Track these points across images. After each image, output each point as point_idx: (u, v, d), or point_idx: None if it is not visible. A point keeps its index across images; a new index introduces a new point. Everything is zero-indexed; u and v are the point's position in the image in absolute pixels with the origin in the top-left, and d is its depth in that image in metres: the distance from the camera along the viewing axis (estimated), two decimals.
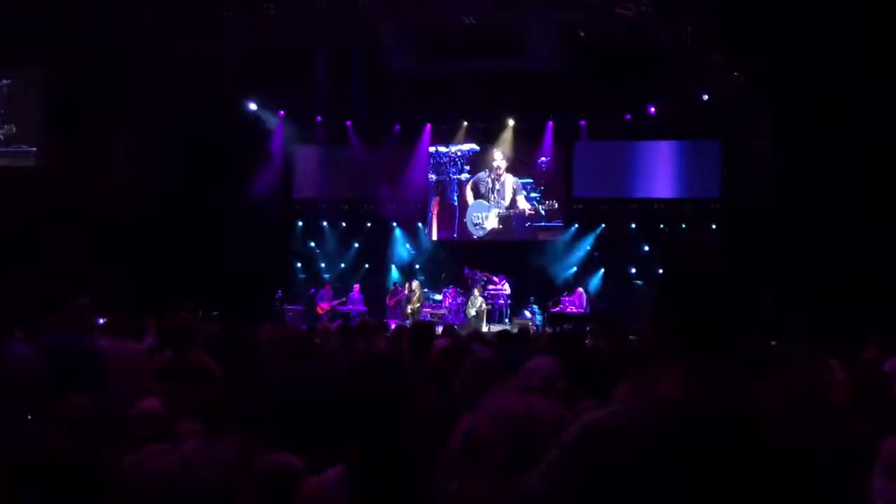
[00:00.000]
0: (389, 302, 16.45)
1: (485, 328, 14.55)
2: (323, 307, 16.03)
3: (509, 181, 17.52)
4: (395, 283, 17.00)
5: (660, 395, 1.23)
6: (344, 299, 16.26)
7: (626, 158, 16.55)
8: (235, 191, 15.98)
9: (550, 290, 16.16)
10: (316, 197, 18.31)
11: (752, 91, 13.23)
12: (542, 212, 17.22)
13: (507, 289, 16.05)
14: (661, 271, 1.36)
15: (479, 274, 16.24)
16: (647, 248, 15.96)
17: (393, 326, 8.27)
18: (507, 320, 15.89)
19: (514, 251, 16.92)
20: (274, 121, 17.41)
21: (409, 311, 15.79)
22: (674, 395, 1.21)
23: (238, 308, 13.93)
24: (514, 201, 17.46)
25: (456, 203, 17.88)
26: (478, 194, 17.77)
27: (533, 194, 17.37)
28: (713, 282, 1.25)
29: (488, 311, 15.67)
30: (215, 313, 14.47)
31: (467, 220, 17.81)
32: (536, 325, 14.75)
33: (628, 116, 16.04)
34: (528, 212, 17.27)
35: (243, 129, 16.33)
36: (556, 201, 17.24)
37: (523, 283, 16.45)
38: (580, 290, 15.40)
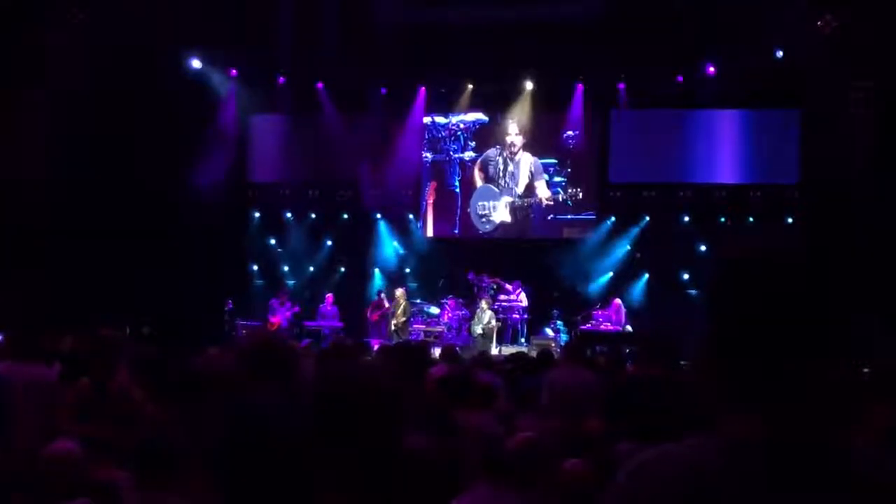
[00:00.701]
0: (372, 316, 16.48)
1: (494, 350, 14.55)
2: (274, 322, 16.03)
3: (526, 162, 17.56)
4: (379, 293, 17.02)
5: (724, 434, 1.23)
6: (298, 310, 16.29)
7: (678, 132, 16.57)
8: (174, 174, 15.97)
9: (579, 302, 16.14)
10: (278, 180, 18.31)
11: (844, 45, 13.19)
12: (569, 201, 17.26)
13: (523, 300, 16.08)
14: (714, 275, 1.33)
15: (487, 280, 16.25)
16: (703, 248, 15.96)
17: (377, 347, 8.27)
18: (522, 340, 15.90)
19: (532, 252, 16.91)
20: (224, 83, 17.44)
21: (393, 325, 15.83)
22: (744, 436, 1.22)
23: (177, 324, 13.95)
24: (531, 188, 17.50)
25: (458, 189, 17.96)
26: (486, 178, 17.84)
27: (557, 178, 17.40)
28: (796, 286, 1.22)
29: (499, 328, 15.69)
30: (147, 330, 14.49)
31: (472, 211, 17.86)
32: (561, 346, 14.74)
33: (680, 78, 16.05)
34: (546, 201, 17.33)
35: (184, 94, 16.30)
36: (587, 187, 17.28)
37: (544, 292, 16.43)
38: (618, 301, 15.42)
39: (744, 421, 1.22)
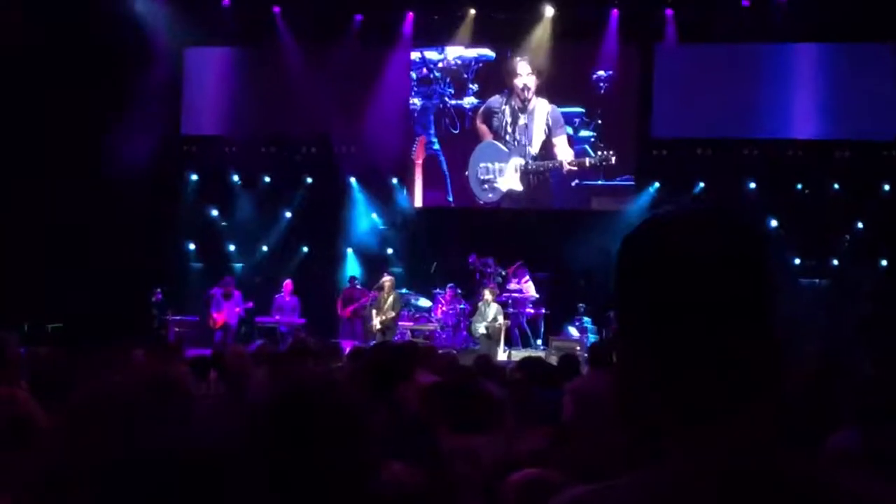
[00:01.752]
0: (344, 311, 16.51)
1: (502, 354, 14.58)
2: (218, 318, 16.07)
3: (542, 111, 17.53)
4: (352, 279, 17.04)
5: (667, 467, 1.27)
6: (251, 306, 16.29)
7: (742, 74, 16.55)
8: (85, 127, 15.88)
9: (612, 293, 16.09)
10: (221, 134, 18.28)
11: None
12: (599, 162, 17.23)
13: (530, 290, 16.11)
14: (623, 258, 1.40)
15: (493, 265, 16.25)
16: (774, 222, 15.98)
17: (348, 351, 8.28)
18: (539, 342, 15.95)
19: (550, 228, 16.92)
20: (152, 7, 17.33)
21: (376, 324, 15.78)
22: (679, 467, 1.26)
23: (92, 319, 13.92)
24: (549, 146, 17.47)
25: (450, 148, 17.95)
26: (490, 133, 17.81)
27: (583, 133, 17.36)
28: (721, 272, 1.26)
29: (507, 326, 15.73)
30: (54, 327, 14.47)
31: (471, 174, 17.85)
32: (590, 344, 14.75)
33: (745, 2, 16.01)
34: (569, 166, 17.31)
35: (99, 21, 16.16)
36: (623, 145, 17.25)
37: (567, 280, 16.47)
38: None
39: (685, 445, 1.26)
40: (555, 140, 17.42)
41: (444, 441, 4.03)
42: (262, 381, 6.74)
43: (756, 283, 1.26)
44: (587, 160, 17.28)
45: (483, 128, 17.85)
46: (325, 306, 16.76)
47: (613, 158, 17.14)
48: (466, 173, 17.84)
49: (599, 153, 17.23)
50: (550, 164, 17.46)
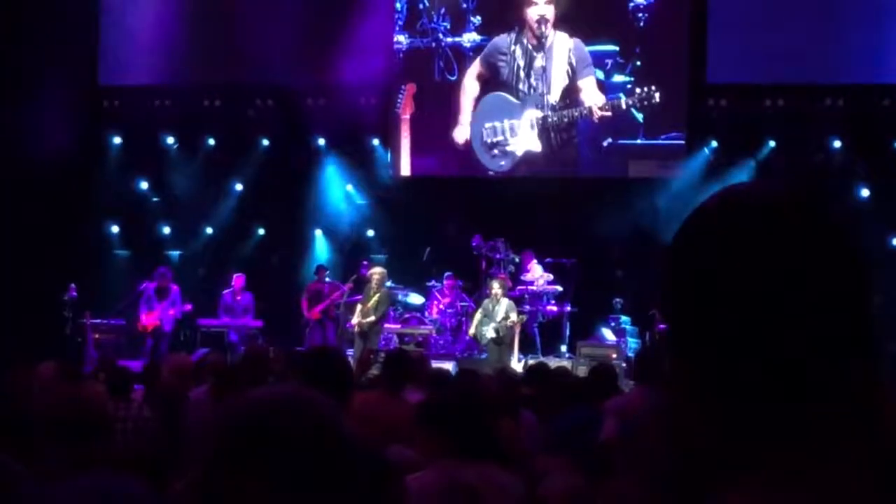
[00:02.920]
0: (311, 313, 16.52)
1: (516, 364, 14.55)
2: (149, 321, 16.11)
3: (562, 48, 17.50)
4: (320, 269, 17.09)
5: None
6: (190, 309, 16.33)
7: (822, 1, 16.55)
8: None
9: (658, 286, 16.08)
10: (151, 84, 18.32)
11: None
12: (639, 102, 17.17)
13: (539, 278, 16.12)
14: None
15: (503, 250, 16.29)
16: (865, 192, 15.96)
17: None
18: (563, 348, 16.01)
19: (577, 201, 16.95)
20: None
21: (353, 325, 15.68)
22: None
23: None
24: (573, 91, 17.43)
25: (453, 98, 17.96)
26: (495, 82, 17.76)
27: (618, 78, 17.32)
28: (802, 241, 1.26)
29: (522, 327, 15.73)
30: None
31: (474, 138, 17.84)
32: (628, 357, 14.77)
33: None
34: (600, 111, 17.20)
35: None
36: (670, 93, 17.22)
37: (598, 269, 16.51)
38: None
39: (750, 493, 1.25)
40: (580, 83, 17.40)
41: (444, 473, 4.01)
42: (203, 402, 6.70)
43: (864, 299, 1.26)
44: (623, 101, 17.17)
45: (485, 75, 17.80)
46: (286, 305, 16.87)
47: (657, 95, 17.01)
48: (467, 137, 17.79)
49: (639, 90, 17.12)
50: (576, 113, 17.42)
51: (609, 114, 17.21)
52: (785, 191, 1.31)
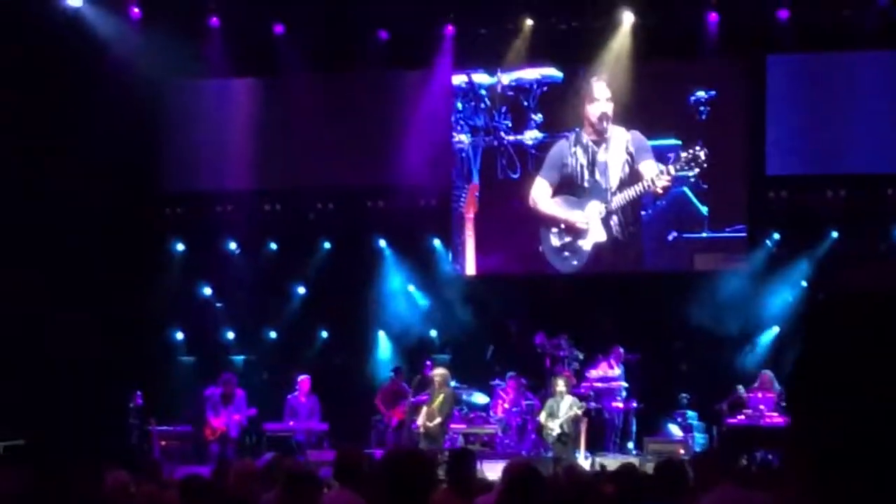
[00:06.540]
0: (391, 415, 16.37)
1: (583, 460, 14.43)
2: (216, 426, 16.12)
3: (620, 139, 17.58)
4: (397, 371, 17.01)
5: None
6: (255, 413, 16.29)
7: (882, 89, 16.49)
8: (32, 179, 16.04)
9: (723, 379, 16.09)
10: (213, 190, 18.48)
11: None
12: (686, 165, 17.15)
13: (615, 372, 15.99)
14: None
15: (566, 347, 16.24)
16: None
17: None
18: (631, 445, 15.86)
19: (642, 296, 16.94)
20: (120, 26, 17.50)
21: (419, 426, 15.51)
22: None
23: (50, 431, 13.90)
24: (633, 175, 17.43)
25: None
26: (558, 184, 17.75)
27: (682, 172, 17.28)
28: None
29: (588, 422, 15.61)
30: (7, 445, 14.48)
31: (544, 241, 17.87)
32: (696, 452, 14.57)
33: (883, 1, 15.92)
34: (659, 182, 17.15)
35: (51, 41, 16.41)
36: (731, 186, 17.23)
37: (663, 363, 16.41)
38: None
39: None
40: (639, 167, 17.47)
41: None
42: None
43: None
44: (673, 166, 17.18)
45: (548, 180, 17.83)
46: (350, 407, 16.80)
47: (703, 154, 16.99)
48: (540, 247, 17.80)
49: (685, 154, 17.11)
50: (634, 192, 17.43)
51: (669, 183, 17.20)
52: None
